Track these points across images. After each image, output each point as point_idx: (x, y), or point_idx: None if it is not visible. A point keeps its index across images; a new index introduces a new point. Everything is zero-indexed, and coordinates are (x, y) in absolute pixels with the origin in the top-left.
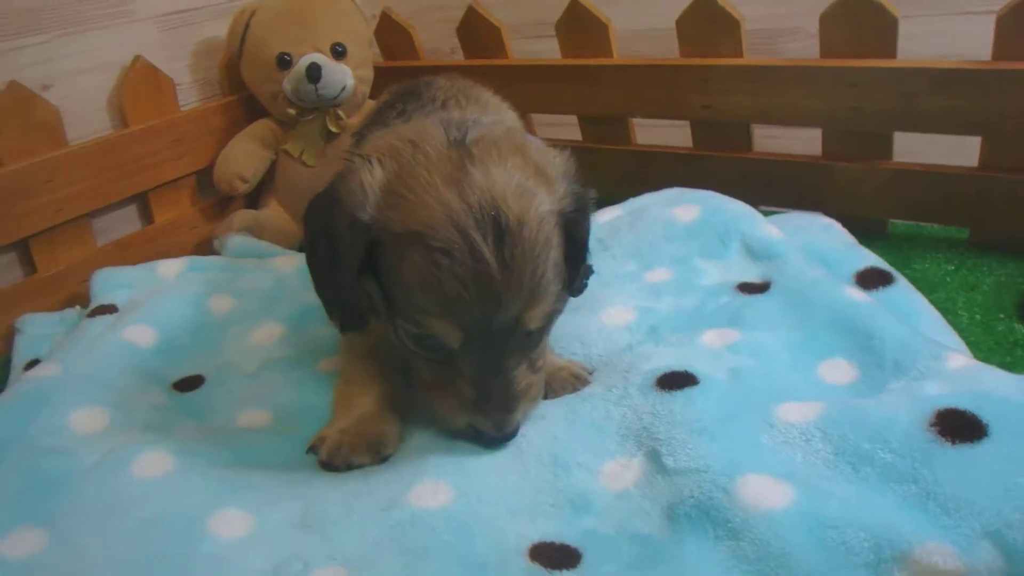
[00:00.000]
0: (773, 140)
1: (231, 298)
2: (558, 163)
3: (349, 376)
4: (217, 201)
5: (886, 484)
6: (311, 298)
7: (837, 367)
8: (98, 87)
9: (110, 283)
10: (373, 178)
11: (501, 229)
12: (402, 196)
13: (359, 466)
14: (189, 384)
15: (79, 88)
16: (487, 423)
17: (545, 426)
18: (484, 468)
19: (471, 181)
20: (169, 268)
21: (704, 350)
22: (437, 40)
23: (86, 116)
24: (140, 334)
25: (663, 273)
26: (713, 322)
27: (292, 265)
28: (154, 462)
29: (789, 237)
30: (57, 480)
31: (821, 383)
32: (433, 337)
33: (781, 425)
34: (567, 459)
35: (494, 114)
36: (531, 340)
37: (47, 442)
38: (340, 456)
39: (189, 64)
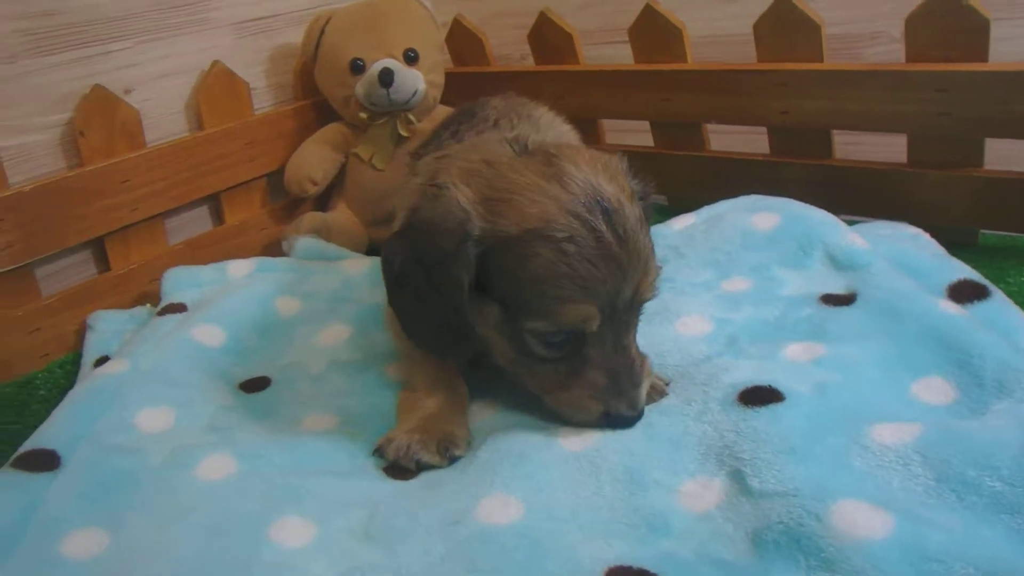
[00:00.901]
0: (854, 147)
1: (298, 299)
2: (614, 162)
3: (412, 383)
4: (287, 203)
5: (995, 514)
6: (379, 300)
7: (933, 386)
8: (176, 91)
9: (180, 282)
10: (465, 195)
11: (607, 209)
12: (505, 201)
13: (428, 466)
14: (255, 385)
15: (158, 92)
16: (622, 404)
17: (620, 440)
18: (556, 482)
19: (566, 173)
20: (239, 268)
21: (788, 364)
22: (507, 46)
23: (164, 119)
24: (208, 333)
25: (741, 282)
26: (796, 334)
27: (360, 268)
28: (218, 465)
29: (874, 247)
30: (122, 479)
31: (916, 402)
32: (567, 329)
33: (875, 447)
34: (643, 476)
35: (547, 130)
36: (639, 316)
37: (114, 439)
38: (408, 455)
39: (264, 69)
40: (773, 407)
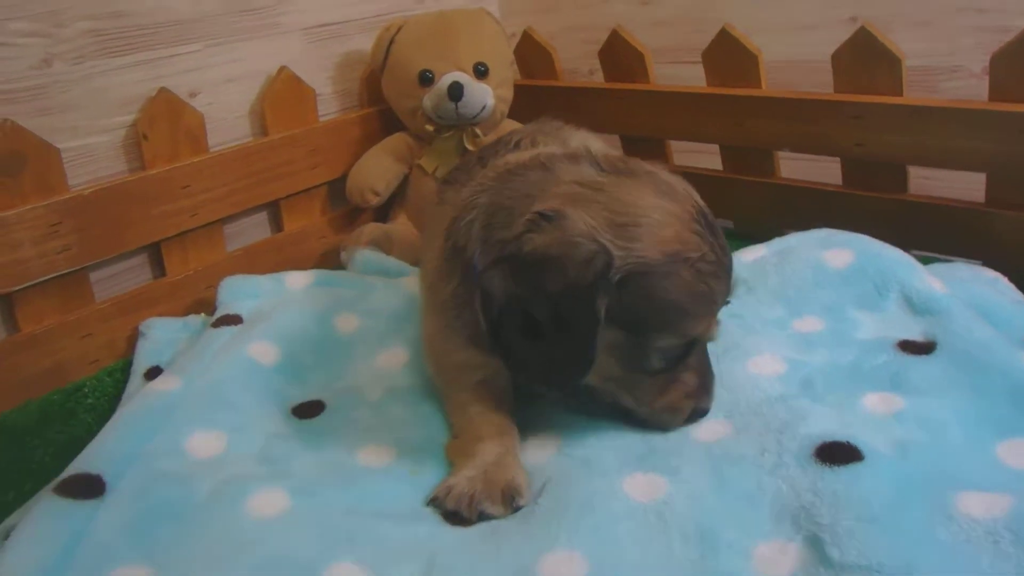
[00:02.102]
0: (929, 182)
1: (357, 317)
2: None
3: (462, 427)
4: (347, 211)
5: None
6: None
7: (1020, 449)
8: (242, 96)
9: (238, 292)
10: (587, 222)
11: (711, 221)
12: (636, 226)
13: (490, 516)
14: (309, 410)
15: (224, 96)
16: (707, 399)
17: (690, 491)
18: (622, 537)
19: (672, 187)
20: (297, 280)
21: (867, 416)
22: (577, 60)
23: (228, 123)
24: (263, 351)
25: (814, 322)
26: (874, 383)
27: None
28: (270, 501)
29: (953, 291)
30: (170, 511)
31: (1003, 467)
32: (691, 341)
33: (962, 519)
34: (715, 536)
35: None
36: None
37: (163, 465)
38: (472, 506)
39: (331, 75)
40: (853, 467)
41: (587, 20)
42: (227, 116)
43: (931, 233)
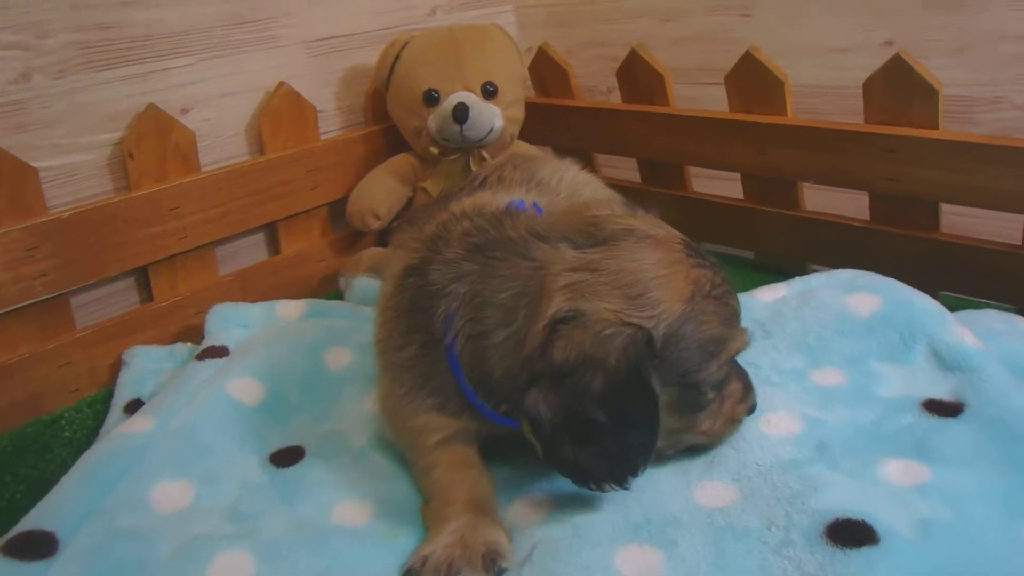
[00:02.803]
0: (962, 219)
1: (350, 351)
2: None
3: (432, 494)
4: (347, 234)
5: None
6: None
7: None
8: (238, 112)
9: (226, 321)
10: (609, 310)
11: (697, 248)
12: (650, 291)
13: None
14: (288, 457)
15: (219, 112)
16: (753, 394)
17: (687, 571)
18: None
19: (653, 237)
20: (288, 310)
21: (886, 488)
22: (594, 77)
23: (223, 141)
24: (246, 388)
25: (834, 375)
26: (896, 448)
27: None
28: (235, 564)
29: (986, 345)
30: (126, 573)
31: None
32: (733, 359)
33: None
34: None
35: (559, 189)
36: None
37: (124, 521)
38: (451, 574)
39: (334, 91)
40: (867, 551)
41: (606, 36)
42: (222, 133)
43: (963, 275)
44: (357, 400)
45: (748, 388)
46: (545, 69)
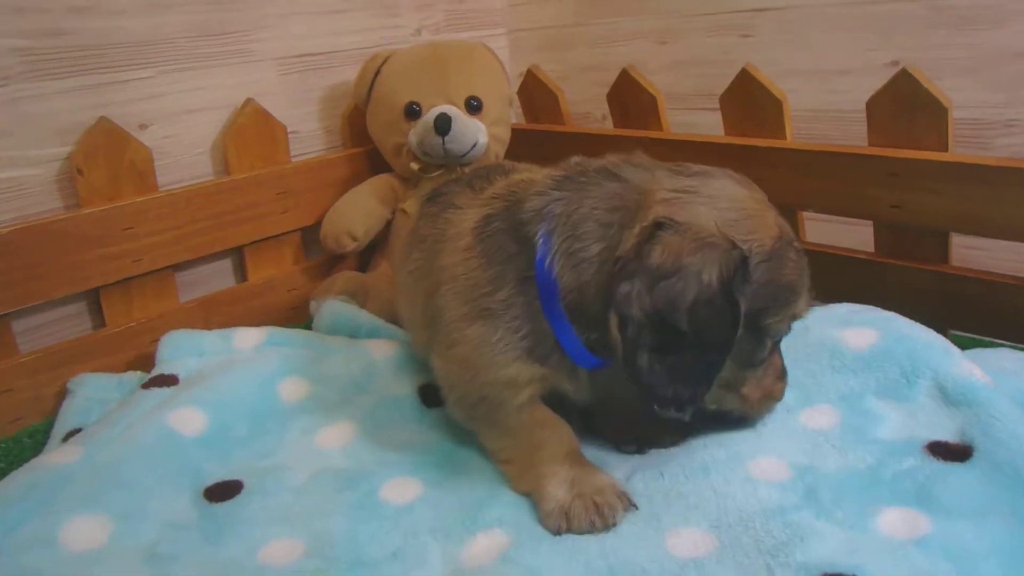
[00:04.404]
0: (973, 252)
1: (308, 383)
2: None
3: (521, 454)
4: (322, 261)
5: None
6: (401, 391)
7: None
8: (203, 130)
9: (179, 348)
10: (706, 224)
11: None
12: (746, 219)
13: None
14: (223, 491)
15: (181, 129)
16: (786, 378)
17: None
18: None
19: (743, 178)
20: (246, 338)
21: (881, 540)
22: (589, 104)
23: (186, 160)
24: (188, 419)
25: (827, 414)
26: (895, 496)
27: (387, 351)
28: None
29: (997, 382)
30: None
31: None
32: (791, 323)
33: None
34: None
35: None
36: None
37: (29, 559)
38: (602, 512)
39: (309, 111)
40: None
41: (601, 60)
42: (185, 152)
43: (974, 312)
44: (307, 434)
45: (784, 370)
46: (534, 93)
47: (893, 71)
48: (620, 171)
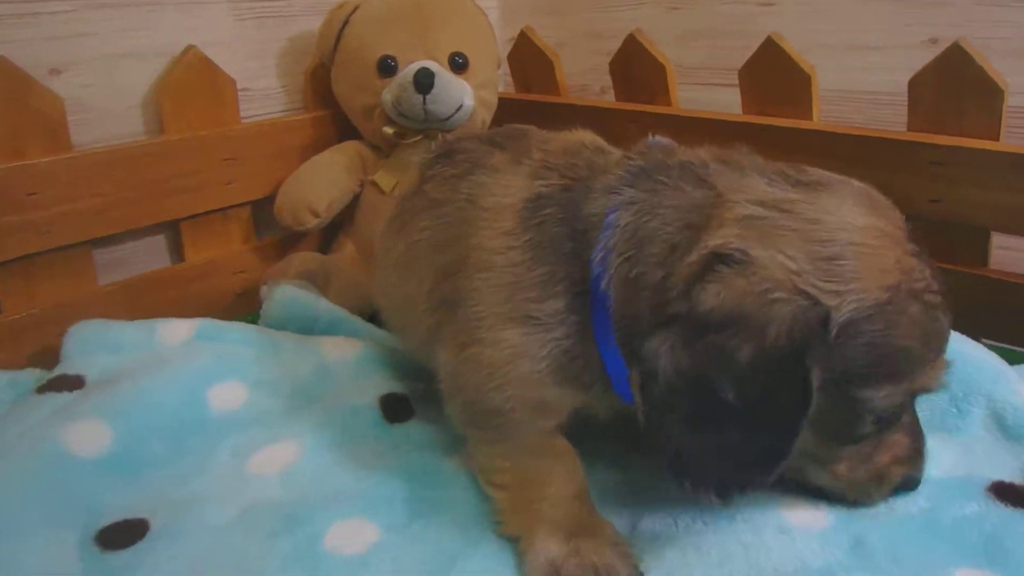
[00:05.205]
0: (1012, 254)
1: (245, 388)
2: None
3: (523, 482)
4: (278, 240)
5: None
6: (359, 401)
7: None
8: (132, 80)
9: (89, 343)
10: (791, 263)
11: (920, 242)
12: (844, 256)
13: None
14: (122, 535)
15: (105, 78)
16: (921, 464)
17: None
18: None
19: (874, 199)
20: (173, 332)
21: None
22: (587, 75)
23: (110, 116)
24: (89, 435)
25: None
26: (961, 551)
27: (344, 352)
28: None
29: None
30: None
31: None
32: (910, 396)
33: None
34: None
35: None
36: None
37: None
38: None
39: (264, 66)
40: None
41: (603, 26)
42: (110, 106)
43: (1014, 320)
44: (239, 456)
45: (918, 453)
46: (527, 58)
47: (931, 50)
48: (708, 173)
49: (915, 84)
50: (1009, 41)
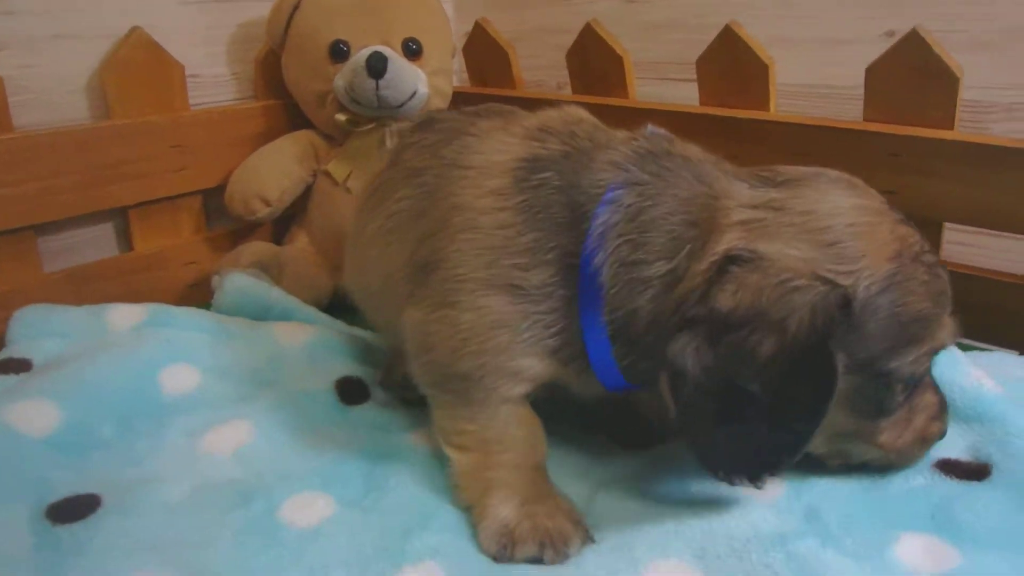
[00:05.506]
0: (965, 249)
1: (196, 372)
2: None
3: (481, 443)
4: (230, 231)
5: None
6: (314, 385)
7: None
8: (76, 62)
9: (36, 327)
10: (795, 257)
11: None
12: (843, 239)
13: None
14: (74, 509)
15: (46, 59)
16: (946, 414)
17: None
18: None
19: (848, 180)
20: (123, 317)
21: (901, 574)
22: (543, 70)
23: (53, 98)
24: (36, 414)
25: None
26: (911, 519)
27: (298, 338)
28: None
29: (1009, 393)
30: None
31: None
32: (935, 353)
33: None
34: None
35: None
36: None
37: None
38: (555, 543)
39: (214, 53)
40: None
41: (560, 20)
42: (52, 88)
43: (968, 314)
44: (191, 436)
45: (943, 405)
46: (482, 50)
47: (889, 43)
48: (705, 173)
49: (872, 72)
50: (965, 35)
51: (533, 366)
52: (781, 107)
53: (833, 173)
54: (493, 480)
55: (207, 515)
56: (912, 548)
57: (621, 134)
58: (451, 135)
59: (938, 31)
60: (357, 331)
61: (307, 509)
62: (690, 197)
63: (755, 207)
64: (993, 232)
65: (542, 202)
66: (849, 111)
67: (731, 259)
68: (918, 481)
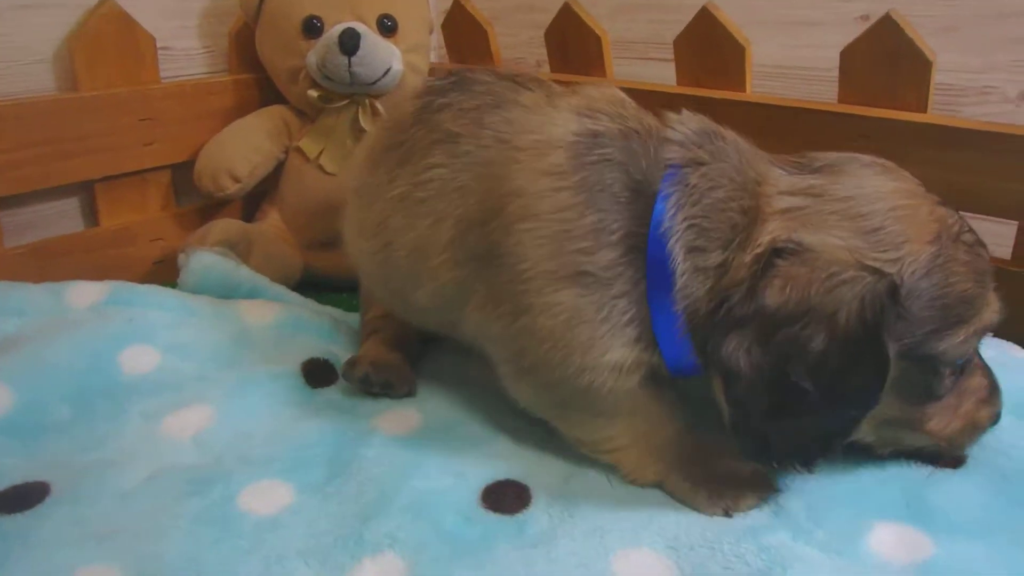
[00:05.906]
0: None
1: (158, 352)
2: None
3: (623, 445)
4: (199, 208)
5: None
6: (279, 367)
7: None
8: (42, 32)
9: None
10: (842, 242)
11: None
12: (885, 225)
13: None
14: (19, 498)
15: (11, 28)
16: (999, 399)
17: None
18: None
19: (882, 164)
20: (83, 295)
21: (878, 566)
22: (522, 48)
23: (17, 69)
24: None
25: None
26: (884, 508)
27: (264, 316)
28: None
29: None
30: None
31: None
32: (983, 333)
33: None
34: None
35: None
36: None
37: None
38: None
39: (186, 26)
40: None
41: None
42: (17, 58)
43: None
44: (150, 419)
45: (994, 387)
46: (461, 27)
47: (863, 26)
48: (750, 159)
49: (847, 55)
50: (938, 19)
51: (625, 355)
52: (757, 88)
53: (866, 157)
54: (666, 462)
55: (161, 503)
56: (885, 537)
57: (671, 114)
58: (493, 102)
59: (912, 15)
60: (328, 309)
61: (266, 496)
62: (743, 182)
63: (795, 194)
64: (966, 214)
65: (603, 178)
66: (824, 93)
67: (776, 251)
68: (891, 470)
